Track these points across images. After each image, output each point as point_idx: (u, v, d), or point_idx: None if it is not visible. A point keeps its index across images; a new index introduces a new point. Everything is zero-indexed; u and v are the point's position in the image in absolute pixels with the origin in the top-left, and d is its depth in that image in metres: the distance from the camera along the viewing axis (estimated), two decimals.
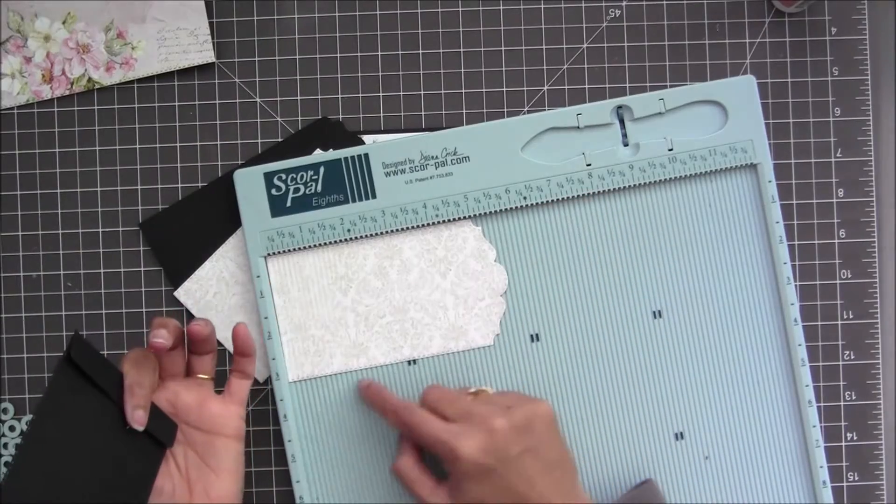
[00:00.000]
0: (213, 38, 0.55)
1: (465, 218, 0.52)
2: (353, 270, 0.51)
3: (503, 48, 0.55)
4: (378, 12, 0.55)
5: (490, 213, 0.53)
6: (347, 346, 0.51)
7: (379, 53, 0.55)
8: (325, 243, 0.52)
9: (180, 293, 0.55)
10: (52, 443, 0.38)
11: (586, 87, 0.55)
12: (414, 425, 0.46)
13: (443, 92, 0.55)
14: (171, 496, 0.44)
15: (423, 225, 0.52)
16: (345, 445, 0.53)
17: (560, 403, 0.53)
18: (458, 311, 0.51)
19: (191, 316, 0.54)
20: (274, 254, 0.52)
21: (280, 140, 0.55)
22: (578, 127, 0.53)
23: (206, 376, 0.47)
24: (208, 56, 0.55)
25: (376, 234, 0.52)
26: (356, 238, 0.52)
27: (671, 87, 0.55)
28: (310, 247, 0.52)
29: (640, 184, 0.53)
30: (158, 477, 0.44)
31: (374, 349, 0.51)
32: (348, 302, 0.51)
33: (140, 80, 0.55)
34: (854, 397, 0.55)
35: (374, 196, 0.52)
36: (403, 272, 0.50)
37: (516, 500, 0.44)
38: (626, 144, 0.53)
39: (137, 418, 0.42)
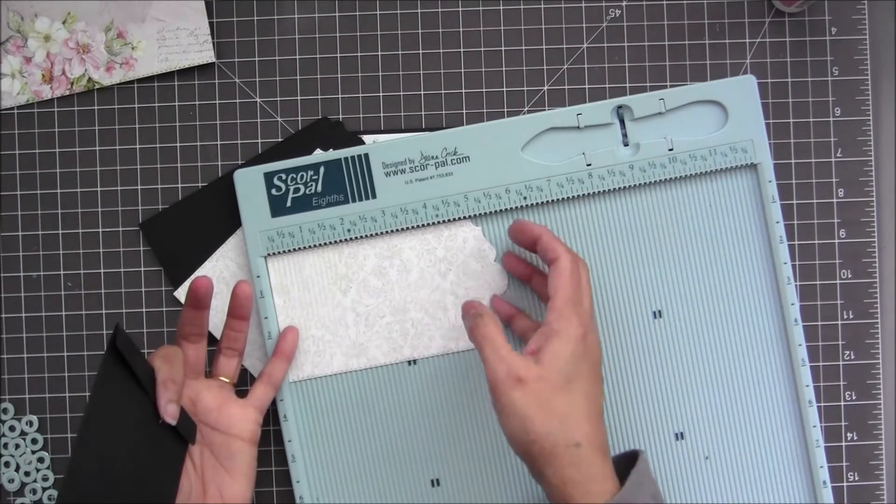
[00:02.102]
0: (213, 38, 0.55)
1: (465, 218, 0.52)
2: (353, 270, 0.51)
3: (503, 48, 0.55)
4: (378, 12, 0.55)
5: (490, 213, 0.53)
6: (347, 346, 0.51)
7: (379, 53, 0.55)
8: (326, 243, 0.52)
9: (180, 293, 0.55)
10: (103, 434, 0.39)
11: (586, 87, 0.55)
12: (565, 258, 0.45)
13: (443, 92, 0.55)
14: (187, 495, 0.45)
15: (423, 225, 0.52)
16: (345, 445, 0.53)
17: None
18: (458, 312, 0.51)
19: None
20: (274, 254, 0.52)
21: (280, 140, 0.55)
22: (578, 127, 0.53)
23: (227, 379, 0.49)
24: (208, 56, 0.55)
25: (377, 234, 0.52)
26: (356, 238, 0.52)
27: (671, 87, 0.55)
28: (310, 247, 0.52)
29: (640, 184, 0.53)
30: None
31: (375, 349, 0.51)
32: (348, 302, 0.51)
33: (140, 80, 0.55)
34: (854, 397, 0.55)
35: (374, 196, 0.52)
36: (404, 272, 0.50)
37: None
38: (626, 144, 0.53)
39: (171, 412, 0.43)
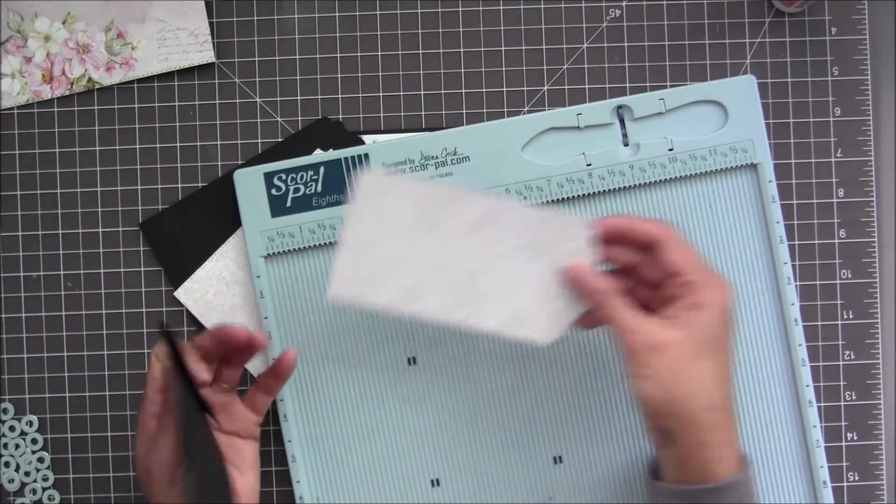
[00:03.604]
0: (213, 38, 0.55)
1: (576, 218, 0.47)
2: (444, 217, 0.45)
3: (503, 48, 0.55)
4: (378, 12, 0.55)
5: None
6: (403, 287, 0.46)
7: (379, 53, 0.55)
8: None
9: (180, 293, 0.54)
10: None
11: (586, 87, 0.55)
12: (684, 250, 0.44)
13: (443, 92, 0.55)
14: None
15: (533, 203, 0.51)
16: (345, 445, 0.53)
17: (565, 398, 0.53)
18: (531, 299, 0.46)
19: (191, 316, 0.54)
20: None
21: (280, 140, 0.55)
22: (578, 127, 0.53)
23: (227, 385, 0.49)
24: (208, 56, 0.55)
25: (482, 189, 0.48)
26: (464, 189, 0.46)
27: (671, 87, 0.55)
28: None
29: (640, 184, 0.53)
30: None
31: (427, 302, 0.46)
32: (424, 246, 0.45)
33: (140, 80, 0.55)
34: (854, 397, 0.55)
35: None
36: (497, 240, 0.45)
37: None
38: (626, 144, 0.53)
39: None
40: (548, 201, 0.53)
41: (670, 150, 0.53)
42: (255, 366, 0.54)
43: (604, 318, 0.44)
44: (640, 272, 0.46)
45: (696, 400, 0.41)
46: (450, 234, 0.45)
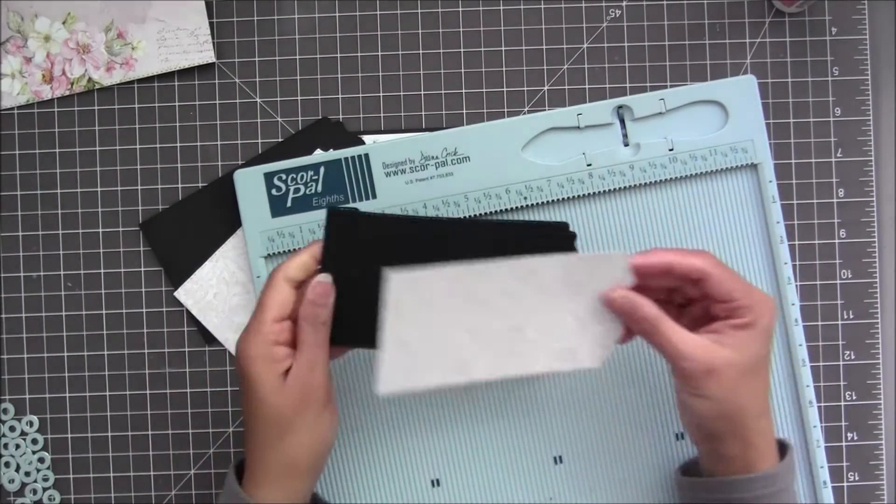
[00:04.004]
0: (213, 38, 0.55)
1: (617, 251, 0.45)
2: (482, 292, 0.44)
3: (503, 48, 0.55)
4: (378, 12, 0.55)
5: (491, 213, 0.53)
6: (452, 362, 0.44)
7: (379, 53, 0.55)
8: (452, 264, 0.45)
9: (180, 293, 0.55)
10: None
11: (586, 87, 0.55)
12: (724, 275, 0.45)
13: (443, 92, 0.55)
14: None
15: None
16: (345, 445, 0.53)
17: (565, 398, 0.53)
18: (572, 333, 0.45)
19: (191, 316, 0.54)
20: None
21: (280, 140, 0.55)
22: (579, 127, 0.53)
23: None
24: (208, 56, 0.55)
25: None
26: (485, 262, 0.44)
27: (671, 87, 0.55)
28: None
29: (640, 184, 0.53)
30: None
31: (479, 366, 0.45)
32: (467, 322, 0.44)
33: (140, 81, 0.55)
34: (854, 397, 0.55)
35: (374, 196, 0.52)
36: (537, 293, 0.44)
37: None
38: (626, 144, 0.53)
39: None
40: (548, 201, 0.53)
41: (670, 150, 0.53)
42: None
43: (653, 343, 0.44)
44: (678, 291, 0.47)
45: (746, 412, 0.44)
46: (490, 304, 0.44)
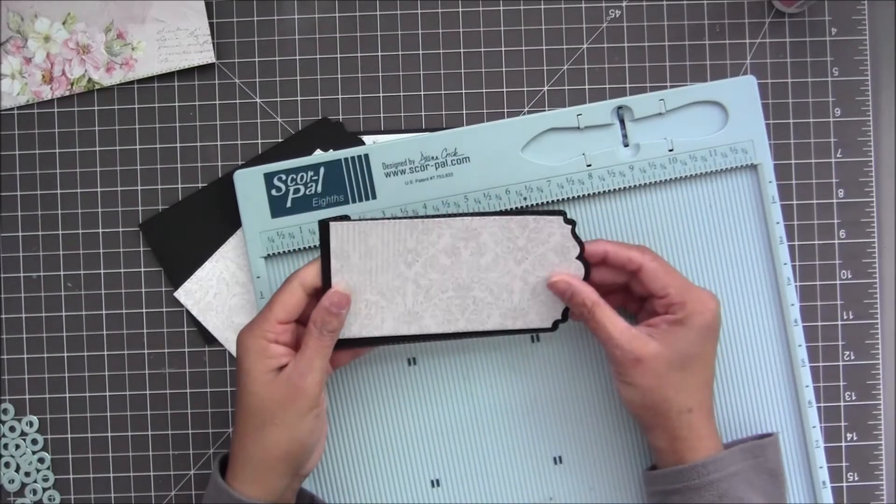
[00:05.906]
0: (213, 38, 0.55)
1: (557, 214, 0.49)
2: (423, 246, 0.48)
3: (503, 49, 0.55)
4: (378, 13, 0.55)
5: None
6: (401, 312, 0.48)
7: (379, 54, 0.55)
8: (396, 217, 0.51)
9: (180, 294, 0.55)
10: None
11: (586, 87, 0.55)
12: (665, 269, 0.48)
13: (443, 92, 0.55)
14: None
15: (508, 211, 0.52)
16: (345, 445, 0.53)
17: (565, 399, 0.53)
18: (523, 296, 0.49)
19: (191, 317, 0.54)
20: (337, 219, 0.52)
21: (280, 140, 0.55)
22: (579, 127, 0.53)
23: None
24: (208, 56, 0.55)
25: (456, 214, 0.49)
26: (434, 216, 0.48)
27: (671, 87, 0.55)
28: (378, 219, 0.52)
29: (640, 184, 0.53)
30: None
31: (429, 319, 0.49)
32: (411, 274, 0.48)
33: (140, 81, 0.55)
34: (854, 398, 0.55)
35: (374, 197, 0.52)
36: (477, 254, 0.48)
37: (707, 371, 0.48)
38: (626, 145, 0.53)
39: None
40: (548, 202, 0.53)
41: (670, 150, 0.53)
42: None
43: (591, 328, 0.48)
44: (630, 287, 0.50)
45: (670, 403, 0.46)
46: (432, 260, 0.48)
